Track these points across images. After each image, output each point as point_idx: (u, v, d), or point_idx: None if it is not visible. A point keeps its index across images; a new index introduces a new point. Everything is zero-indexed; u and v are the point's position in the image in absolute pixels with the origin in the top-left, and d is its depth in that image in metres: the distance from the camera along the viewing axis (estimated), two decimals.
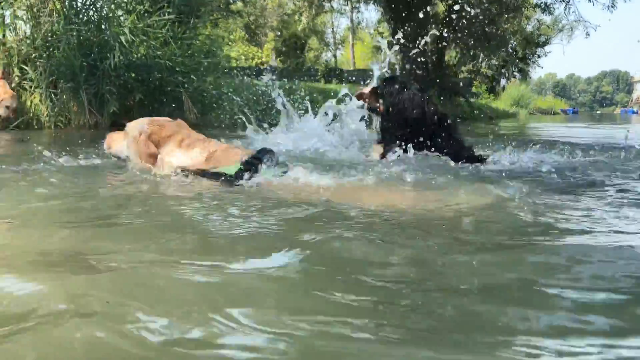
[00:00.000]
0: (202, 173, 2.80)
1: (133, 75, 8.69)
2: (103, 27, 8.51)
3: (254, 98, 10.55)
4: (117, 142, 3.30)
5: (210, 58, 9.81)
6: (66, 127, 8.22)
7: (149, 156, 2.96)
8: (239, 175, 2.67)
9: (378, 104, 4.15)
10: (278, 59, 40.26)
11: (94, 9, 8.76)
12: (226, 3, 36.06)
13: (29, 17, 8.68)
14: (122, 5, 9.32)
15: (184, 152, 2.90)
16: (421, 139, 3.81)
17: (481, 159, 3.87)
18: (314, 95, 13.65)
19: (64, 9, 8.43)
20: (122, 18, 8.89)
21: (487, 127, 15.60)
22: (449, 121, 4.00)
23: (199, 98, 9.40)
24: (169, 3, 9.35)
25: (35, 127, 7.97)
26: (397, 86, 4.00)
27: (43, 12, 8.50)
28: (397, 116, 3.95)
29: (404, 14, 21.31)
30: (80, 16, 8.62)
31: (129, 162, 3.15)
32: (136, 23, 8.62)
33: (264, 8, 44.42)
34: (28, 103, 8.15)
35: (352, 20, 40.78)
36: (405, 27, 21.23)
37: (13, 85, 8.09)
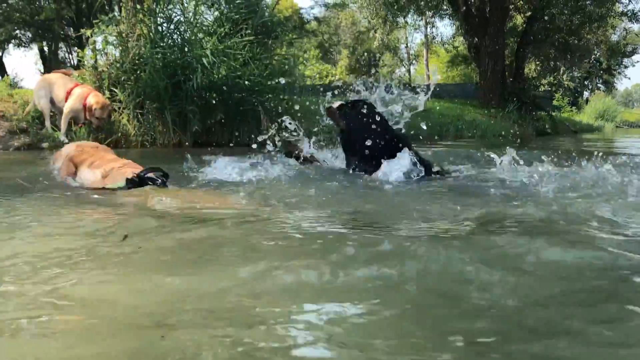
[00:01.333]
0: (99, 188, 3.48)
1: (214, 95, 8.98)
2: (186, 49, 8.85)
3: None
4: (58, 160, 4.08)
5: (287, 77, 9.98)
6: (152, 145, 8.59)
7: (67, 174, 3.82)
8: (123, 188, 3.33)
9: (341, 123, 4.48)
10: (351, 75, 40.49)
11: (178, 33, 9.14)
12: (301, 23, 36.73)
13: (119, 42, 9.21)
14: (204, 28, 9.67)
15: (90, 172, 3.69)
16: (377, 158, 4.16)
17: (441, 173, 4.25)
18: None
19: (151, 34, 8.86)
20: (204, 41, 9.22)
21: (567, 141, 14.98)
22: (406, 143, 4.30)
23: (275, 117, 9.58)
24: (248, 25, 9.63)
25: (124, 145, 8.38)
26: (357, 109, 4.33)
27: (131, 37, 8.97)
28: (351, 137, 4.39)
29: (480, 27, 20.88)
30: (165, 40, 9.02)
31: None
32: (217, 45, 8.91)
33: (338, 26, 44.93)
34: (117, 123, 8.60)
35: (426, 35, 40.41)
36: (483, 40, 20.83)
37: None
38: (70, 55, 38.19)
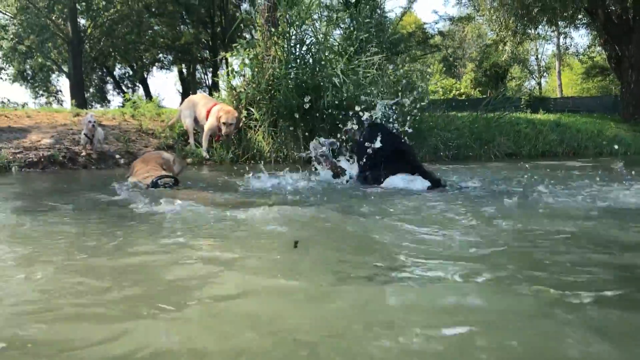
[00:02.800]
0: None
1: (344, 113, 9.21)
2: (317, 70, 9.16)
3: (457, 130, 10.48)
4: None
5: (415, 94, 9.99)
6: (284, 161, 8.98)
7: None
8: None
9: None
10: (477, 89, 39.44)
11: (310, 54, 9.49)
12: (424, 38, 36.44)
13: (255, 64, 9.75)
14: (334, 48, 9.97)
15: (133, 177, 4.88)
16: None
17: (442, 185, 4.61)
18: (523, 126, 13.06)
19: (284, 56, 9.29)
20: (333, 61, 9.50)
21: None
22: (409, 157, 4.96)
23: (404, 134, 9.61)
24: (375, 43, 9.80)
25: (259, 161, 8.84)
26: (370, 132, 5.05)
27: (267, 59, 9.47)
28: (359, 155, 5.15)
29: (622, 36, 19.47)
30: (298, 61, 9.41)
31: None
32: (347, 64, 9.14)
33: (463, 40, 44.04)
34: (253, 140, 9.11)
35: (558, 46, 38.41)
36: (625, 50, 19.41)
37: (241, 124, 9.13)
38: (205, 76, 41.02)
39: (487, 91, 36.09)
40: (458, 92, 38.90)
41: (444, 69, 44.34)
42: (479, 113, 11.82)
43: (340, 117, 9.16)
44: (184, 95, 37.96)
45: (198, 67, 38.28)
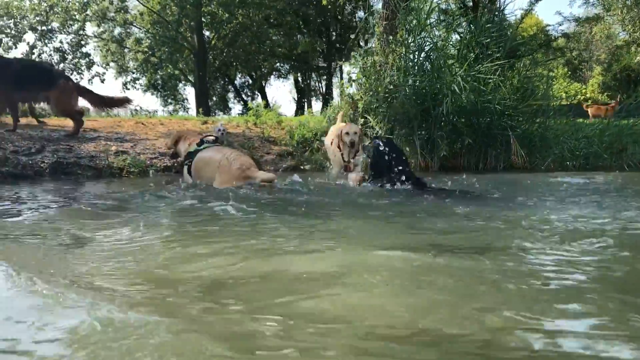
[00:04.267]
0: None
1: (462, 120, 9.04)
2: (436, 77, 9.06)
3: (586, 139, 9.88)
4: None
5: (540, 99, 9.59)
6: None
7: None
8: None
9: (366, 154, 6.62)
10: (605, 94, 36.85)
11: (429, 61, 9.41)
12: (547, 40, 34.72)
13: (372, 72, 9.83)
14: (453, 54, 9.80)
15: None
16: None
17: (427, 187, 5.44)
18: None
19: (403, 63, 9.28)
20: (453, 67, 9.34)
21: None
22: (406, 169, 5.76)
23: (525, 141, 9.24)
24: (497, 48, 9.51)
25: None
26: (378, 147, 6.01)
27: (385, 67, 9.52)
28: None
29: None
30: (416, 68, 9.36)
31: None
32: (467, 71, 8.95)
33: (590, 41, 41.41)
34: None
35: None
36: None
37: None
38: (319, 85, 41.90)
39: (616, 96, 33.62)
40: (583, 97, 36.58)
41: (569, 72, 41.91)
42: (610, 120, 11.07)
43: (460, 124, 9.03)
44: (299, 103, 39.06)
45: (313, 75, 39.19)
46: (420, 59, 9.56)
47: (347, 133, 6.89)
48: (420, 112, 8.88)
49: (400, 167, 5.78)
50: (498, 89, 9.18)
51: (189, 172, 5.66)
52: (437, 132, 8.83)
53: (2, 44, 27.00)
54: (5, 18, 28.06)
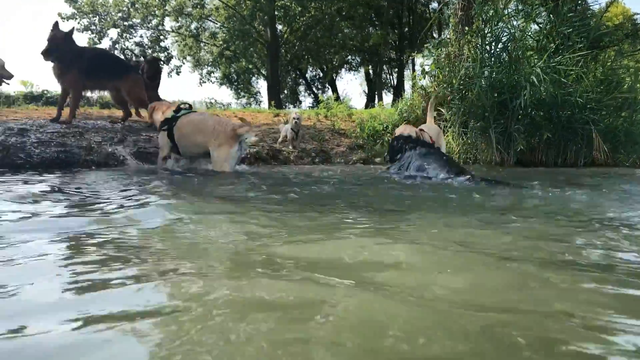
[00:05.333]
0: None
1: (541, 113, 8.71)
2: (514, 68, 8.76)
3: None
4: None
5: (626, 92, 9.08)
6: (474, 163, 8.75)
7: None
8: None
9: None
10: None
11: (506, 52, 9.12)
12: (635, 30, 32.80)
13: (446, 63, 9.64)
14: (532, 45, 9.45)
15: None
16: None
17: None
18: None
19: (479, 54, 9.04)
20: (532, 58, 9.01)
21: None
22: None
23: (608, 136, 8.80)
24: (581, 39, 9.08)
25: None
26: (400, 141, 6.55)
27: (460, 58, 9.31)
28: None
29: None
30: (493, 60, 9.09)
31: None
32: (547, 62, 8.61)
33: None
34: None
35: None
36: None
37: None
38: (390, 77, 41.52)
39: None
40: None
41: None
42: None
43: (539, 117, 8.71)
44: (369, 95, 38.88)
45: (384, 67, 38.89)
46: (497, 49, 9.27)
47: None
48: (496, 105, 8.63)
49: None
50: (580, 81, 8.78)
51: (169, 137, 6.12)
52: (514, 126, 8.56)
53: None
54: (90, 15, 29.52)
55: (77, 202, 3.47)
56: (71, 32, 8.17)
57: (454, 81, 9.20)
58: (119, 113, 10.84)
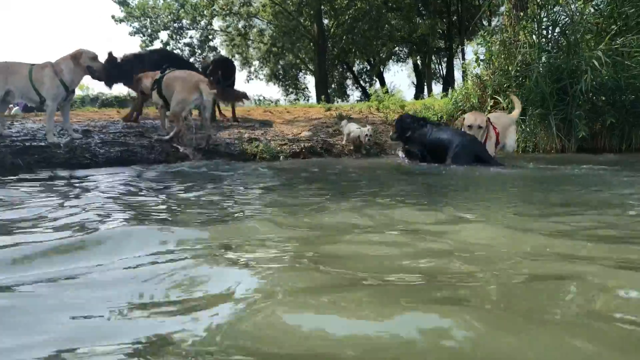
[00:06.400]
0: None
1: (603, 98, 8.41)
2: (573, 52, 8.49)
3: None
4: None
5: None
6: (533, 151, 8.54)
7: None
8: None
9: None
10: None
11: (564, 37, 8.84)
12: None
13: (501, 50, 9.43)
14: (592, 28, 9.12)
15: None
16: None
17: None
18: None
19: (536, 40, 8.80)
20: (592, 41, 8.70)
21: None
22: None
23: None
24: None
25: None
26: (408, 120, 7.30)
27: (516, 44, 9.08)
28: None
29: None
30: (550, 45, 8.84)
31: None
32: (608, 44, 8.30)
33: None
34: None
35: None
36: None
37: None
38: (439, 67, 40.91)
39: None
40: None
41: None
42: None
43: (601, 102, 8.41)
44: (418, 86, 38.42)
45: (433, 57, 38.31)
46: (555, 34, 9.00)
47: (470, 126, 6.71)
48: (555, 91, 8.39)
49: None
50: None
51: (159, 94, 7.47)
52: (575, 112, 8.29)
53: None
54: (142, 18, 30.29)
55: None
56: (113, 56, 8.80)
57: (509, 68, 8.99)
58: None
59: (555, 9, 9.05)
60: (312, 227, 2.37)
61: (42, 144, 6.98)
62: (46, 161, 6.46)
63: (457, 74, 35.04)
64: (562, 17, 8.99)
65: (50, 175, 5.48)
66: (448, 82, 33.79)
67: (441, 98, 13.24)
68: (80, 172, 5.79)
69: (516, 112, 7.44)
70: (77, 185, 4.61)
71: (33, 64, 6.98)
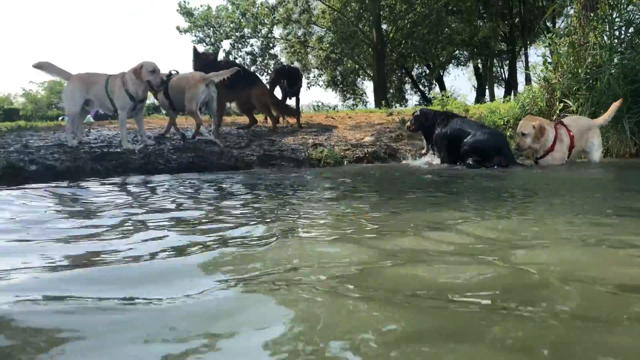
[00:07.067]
0: None
1: None
2: None
3: None
4: None
5: None
6: (605, 156, 8.25)
7: None
8: None
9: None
10: None
11: (639, 36, 8.52)
12: None
13: (570, 52, 9.17)
14: None
15: None
16: None
17: None
18: None
19: (607, 40, 8.53)
20: None
21: None
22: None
23: None
24: None
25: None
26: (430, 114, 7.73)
27: (586, 46, 8.82)
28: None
29: None
30: (624, 45, 8.54)
31: None
32: None
33: None
34: None
35: None
36: None
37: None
38: (501, 70, 40.05)
39: None
40: None
41: None
42: None
43: None
44: (479, 90, 37.74)
45: (494, 61, 37.57)
46: (628, 34, 8.69)
47: (523, 134, 6.79)
48: (629, 93, 8.08)
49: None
50: None
51: (165, 95, 8.14)
52: None
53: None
54: (205, 28, 31.21)
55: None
56: (216, 54, 9.28)
57: (579, 70, 8.74)
58: (241, 120, 11.42)
59: (628, 8, 8.73)
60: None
61: (118, 150, 7.33)
62: (122, 167, 6.77)
63: (520, 77, 34.23)
64: (637, 16, 8.67)
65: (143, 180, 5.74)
66: (510, 85, 33.05)
67: (503, 102, 13.00)
68: (160, 177, 6.04)
69: (601, 117, 7.29)
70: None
71: (110, 75, 7.38)
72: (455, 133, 7.07)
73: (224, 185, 5.10)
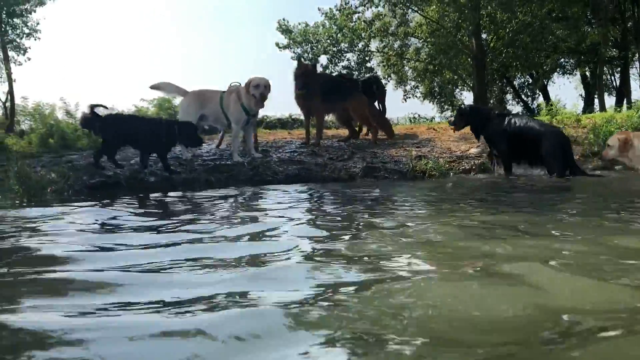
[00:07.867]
0: None
1: None
2: None
3: None
4: None
5: None
6: None
7: None
8: None
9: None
10: None
11: None
12: None
13: None
14: None
15: None
16: None
17: None
18: None
19: None
20: None
21: None
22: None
23: None
24: None
25: None
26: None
27: None
28: None
29: None
30: None
31: None
32: None
33: None
34: None
35: None
36: None
37: None
38: (612, 78, 37.67)
39: None
40: None
41: None
42: None
43: None
44: (587, 99, 35.64)
45: (604, 68, 35.34)
46: None
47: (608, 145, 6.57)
48: None
49: None
50: None
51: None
52: None
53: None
54: (303, 44, 31.89)
55: None
56: (315, 65, 9.53)
57: None
58: (341, 132, 11.51)
59: None
60: None
61: (229, 162, 7.63)
62: (234, 178, 7.04)
63: (634, 84, 32.04)
64: None
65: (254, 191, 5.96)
66: (623, 93, 30.98)
67: (614, 111, 12.19)
68: (269, 187, 6.23)
69: None
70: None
71: (223, 91, 7.72)
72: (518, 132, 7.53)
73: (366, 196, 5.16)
